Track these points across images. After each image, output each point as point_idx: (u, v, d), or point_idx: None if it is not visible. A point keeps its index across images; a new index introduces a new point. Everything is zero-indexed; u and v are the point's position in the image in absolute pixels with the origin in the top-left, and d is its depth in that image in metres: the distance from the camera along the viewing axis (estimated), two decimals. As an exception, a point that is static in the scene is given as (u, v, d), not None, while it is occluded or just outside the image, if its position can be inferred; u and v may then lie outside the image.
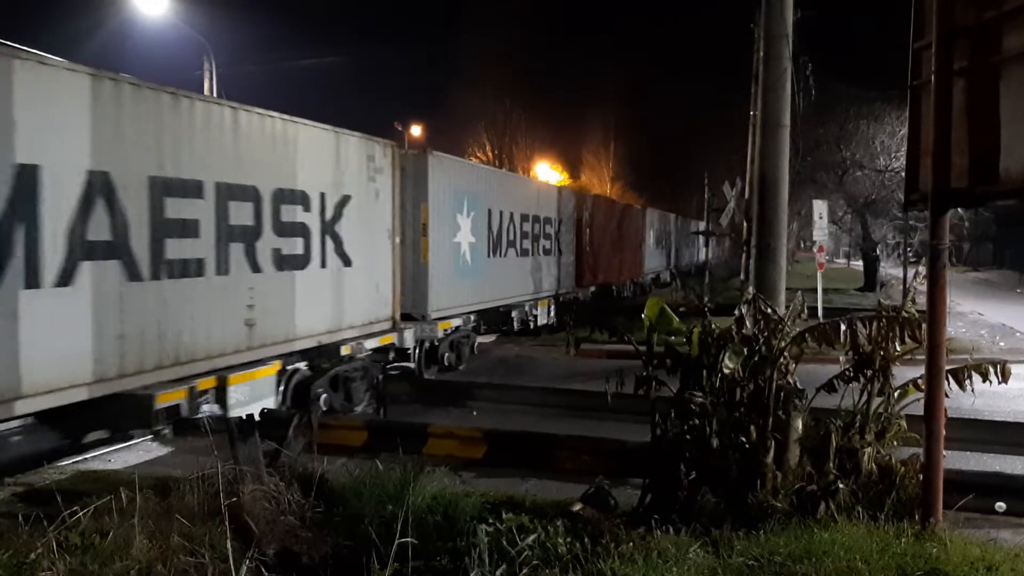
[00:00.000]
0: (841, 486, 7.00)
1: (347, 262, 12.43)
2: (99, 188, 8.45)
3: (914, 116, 7.27)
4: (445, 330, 16.12)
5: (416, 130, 43.26)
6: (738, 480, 7.13)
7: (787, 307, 8.15)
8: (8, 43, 8.67)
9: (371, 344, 13.03)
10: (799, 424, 7.43)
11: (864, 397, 7.62)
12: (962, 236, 49.59)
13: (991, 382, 7.41)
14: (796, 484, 7.11)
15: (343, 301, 12.39)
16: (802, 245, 55.94)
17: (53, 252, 7.99)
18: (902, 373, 7.79)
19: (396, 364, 14.62)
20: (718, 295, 24.39)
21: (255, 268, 10.51)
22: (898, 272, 34.89)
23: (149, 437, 10.46)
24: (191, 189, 9.61)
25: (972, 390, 7.41)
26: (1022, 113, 6.03)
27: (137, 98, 8.87)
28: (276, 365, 10.97)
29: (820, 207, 25.79)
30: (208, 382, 9.78)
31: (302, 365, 11.63)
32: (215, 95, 20.95)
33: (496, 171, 20.72)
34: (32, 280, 7.80)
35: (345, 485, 7.22)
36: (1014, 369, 7.58)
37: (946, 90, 6.56)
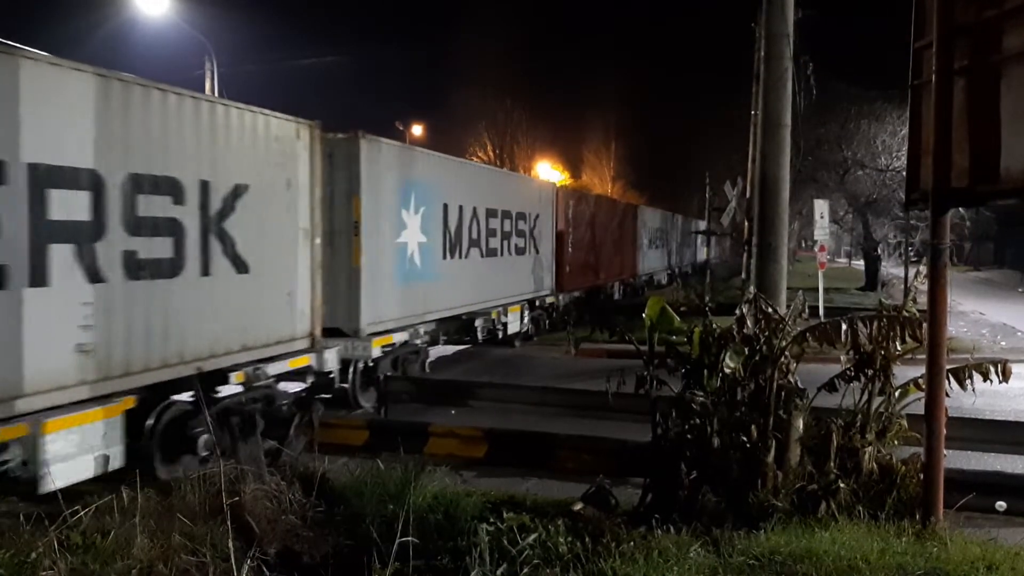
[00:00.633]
0: (842, 485, 7.01)
1: (242, 267, 9.76)
2: None
3: (915, 115, 7.27)
4: (385, 347, 13.49)
5: (417, 130, 43.30)
6: (739, 479, 7.14)
7: (788, 306, 8.17)
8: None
9: (277, 368, 10.31)
10: (800, 423, 7.44)
11: (865, 396, 7.63)
12: (963, 235, 49.54)
13: (992, 381, 7.42)
14: (797, 483, 7.12)
15: (237, 316, 9.66)
16: (803, 244, 55.95)
17: None
18: (903, 372, 7.80)
19: (321, 389, 11.53)
20: (719, 294, 24.40)
21: (93, 277, 7.87)
22: (899, 271, 34.97)
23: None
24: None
25: (973, 389, 7.42)
26: (1023, 112, 6.03)
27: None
28: (125, 403, 8.19)
29: (821, 206, 25.78)
30: (9, 431, 7.10)
31: (184, 397, 8.97)
32: (216, 94, 20.96)
33: (455, 160, 17.14)
34: None
35: (346, 484, 7.23)
36: (1015, 368, 7.58)
37: (947, 89, 6.56)
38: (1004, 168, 6.13)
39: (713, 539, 6.30)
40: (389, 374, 13.27)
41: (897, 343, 7.46)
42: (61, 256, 7.61)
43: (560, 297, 23.01)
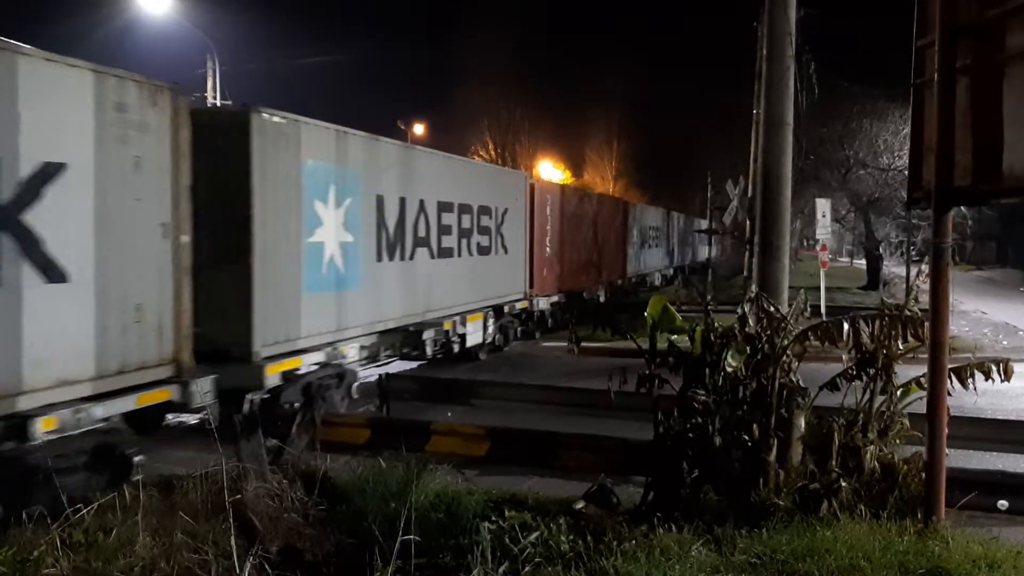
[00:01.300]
0: (844, 484, 7.01)
1: (54, 275, 7.43)
2: None
3: (917, 114, 7.27)
4: (289, 372, 10.69)
5: (419, 129, 43.32)
6: (741, 478, 7.15)
7: (790, 305, 8.16)
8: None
9: (115, 408, 8.07)
10: (802, 422, 7.45)
11: (867, 395, 7.63)
12: (965, 234, 49.40)
13: (994, 380, 7.41)
14: (799, 482, 7.13)
15: (45, 341, 7.34)
16: (805, 243, 55.86)
17: None
18: (905, 371, 7.79)
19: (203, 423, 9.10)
20: (721, 293, 24.38)
21: None
22: (901, 271, 34.95)
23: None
24: None
25: (975, 388, 7.41)
26: (1025, 111, 6.03)
27: None
28: None
29: (823, 205, 25.80)
30: None
31: None
32: (219, 93, 20.99)
33: (395, 145, 14.12)
34: None
35: (348, 482, 7.24)
36: (1017, 367, 7.58)
37: (949, 88, 6.56)
38: (1007, 167, 6.13)
39: (715, 538, 6.31)
40: (389, 373, 13.21)
41: (899, 342, 7.45)
42: None
43: (535, 302, 20.71)
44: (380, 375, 12.93)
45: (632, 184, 55.56)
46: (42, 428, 7.31)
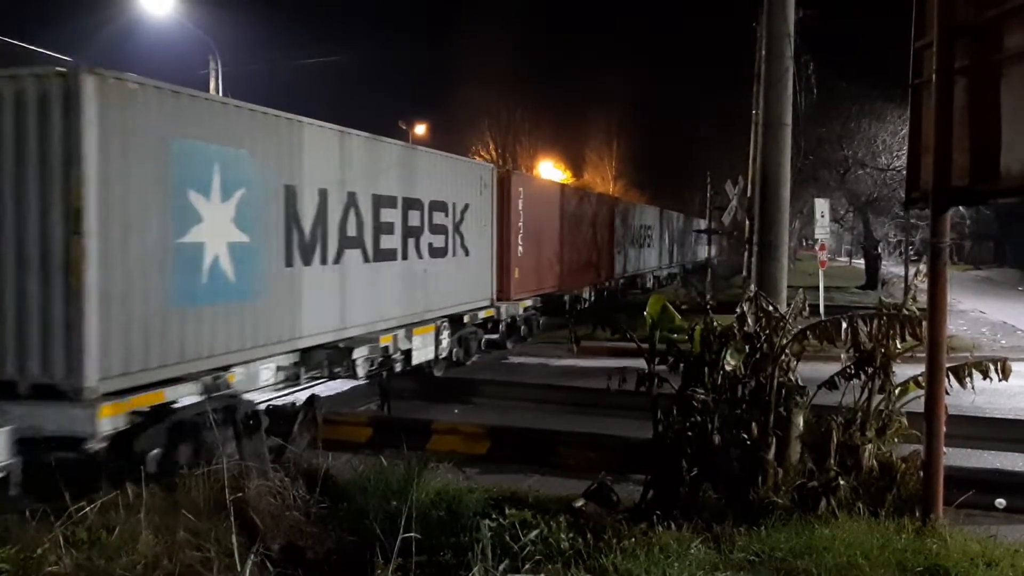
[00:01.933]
0: (842, 482, 7.04)
1: None
2: None
3: (915, 115, 7.30)
4: (142, 411, 8.26)
5: (420, 129, 43.32)
6: (739, 476, 7.18)
7: (789, 305, 8.20)
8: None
9: None
10: (800, 421, 7.48)
11: (865, 394, 7.66)
12: (963, 234, 49.47)
13: (992, 379, 7.44)
14: (797, 480, 7.16)
15: None
16: (804, 243, 55.89)
17: None
18: (903, 370, 7.83)
19: None
20: (720, 293, 24.39)
21: None
22: (899, 270, 34.92)
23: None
24: None
25: (972, 387, 7.44)
26: (1023, 111, 6.06)
27: None
28: None
29: (822, 205, 25.82)
30: None
31: None
32: (221, 94, 21.00)
33: (314, 125, 11.41)
34: None
35: (349, 481, 7.27)
36: (1015, 366, 7.60)
37: (947, 89, 6.59)
38: (1004, 167, 6.16)
39: (714, 535, 6.35)
40: (391, 373, 13.19)
41: (897, 341, 7.48)
42: None
43: (504, 308, 18.47)
44: (382, 375, 12.95)
45: (632, 184, 55.54)
46: None
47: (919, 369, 7.26)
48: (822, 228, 25.81)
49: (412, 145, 14.56)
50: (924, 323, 7.11)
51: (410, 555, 5.64)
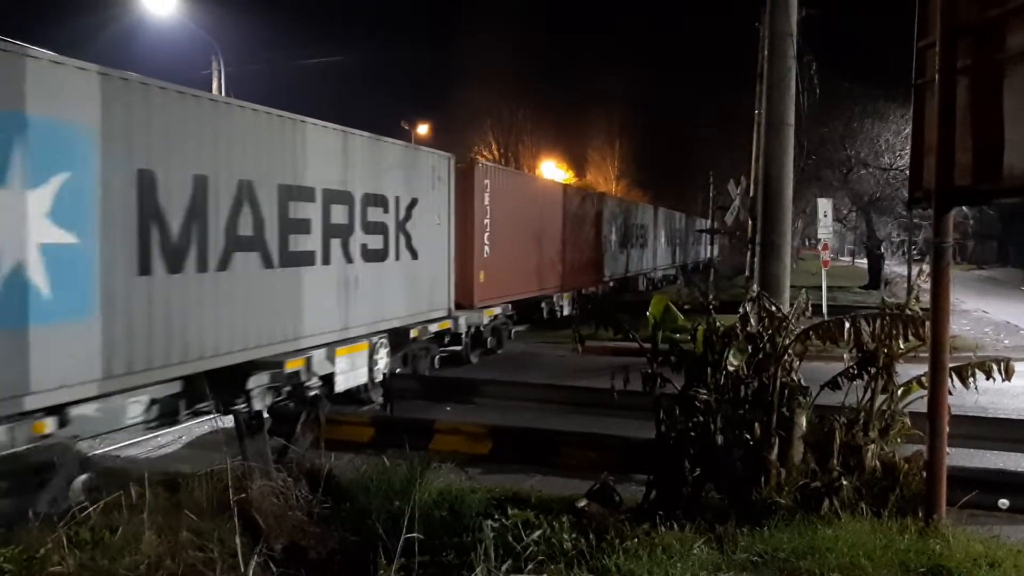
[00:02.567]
0: (845, 483, 7.03)
1: None
2: None
3: (918, 114, 7.29)
4: None
5: (423, 129, 43.33)
6: (742, 476, 7.17)
7: (791, 305, 8.19)
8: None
9: None
10: (803, 421, 7.47)
11: (868, 394, 7.65)
12: (966, 234, 49.44)
13: (995, 379, 7.43)
14: (800, 481, 7.16)
15: None
16: (807, 243, 55.83)
17: None
18: (906, 370, 7.82)
19: None
20: (722, 293, 24.36)
21: None
22: (902, 270, 34.95)
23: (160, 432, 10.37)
24: None
25: (976, 387, 7.43)
26: (1026, 111, 6.06)
27: None
28: None
29: (825, 205, 25.80)
30: None
31: None
32: (224, 94, 21.02)
33: (181, 92, 9.10)
34: None
35: (352, 481, 7.27)
36: (1018, 366, 7.61)
37: (950, 88, 6.58)
38: (1007, 167, 6.16)
39: (717, 536, 6.34)
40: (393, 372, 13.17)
41: (900, 341, 7.47)
42: None
43: (465, 319, 16.26)
44: (384, 374, 12.94)
45: (634, 184, 55.57)
46: None
47: (922, 369, 7.25)
48: (825, 228, 25.78)
49: (343, 128, 11.72)
50: (927, 323, 7.10)
51: (413, 555, 5.65)
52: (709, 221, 39.42)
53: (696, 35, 59.30)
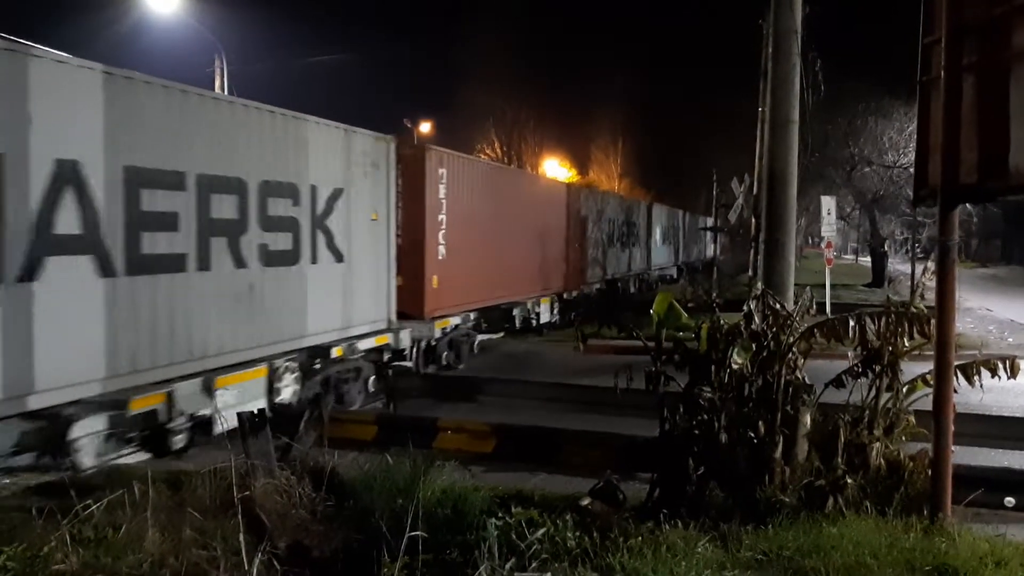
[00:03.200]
0: (849, 481, 7.01)
1: None
2: None
3: (923, 112, 7.27)
4: None
5: (425, 127, 43.33)
6: (746, 475, 7.15)
7: (795, 303, 8.17)
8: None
9: None
10: (807, 419, 7.45)
11: (872, 392, 7.63)
12: (971, 232, 49.51)
13: (1000, 377, 7.42)
14: (804, 479, 7.14)
15: None
16: (810, 241, 55.89)
17: None
18: (910, 369, 7.80)
19: None
20: (726, 291, 24.31)
21: None
22: (906, 268, 34.86)
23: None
24: None
25: (981, 385, 7.41)
26: (1032, 109, 6.03)
27: None
28: None
29: (828, 203, 25.75)
30: None
31: None
32: (227, 93, 21.02)
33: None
34: None
35: (356, 479, 7.26)
36: (1023, 364, 7.58)
37: (955, 86, 6.56)
38: (1013, 164, 6.13)
39: (721, 534, 6.33)
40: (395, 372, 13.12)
41: (905, 339, 7.46)
42: None
43: (408, 332, 13.63)
44: (386, 372, 12.92)
45: (637, 182, 55.57)
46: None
47: (927, 367, 7.23)
48: (829, 226, 25.74)
49: (224, 95, 9.67)
50: (932, 321, 7.08)
51: (416, 554, 5.64)
52: (713, 219, 39.32)
53: (700, 32, 59.26)
